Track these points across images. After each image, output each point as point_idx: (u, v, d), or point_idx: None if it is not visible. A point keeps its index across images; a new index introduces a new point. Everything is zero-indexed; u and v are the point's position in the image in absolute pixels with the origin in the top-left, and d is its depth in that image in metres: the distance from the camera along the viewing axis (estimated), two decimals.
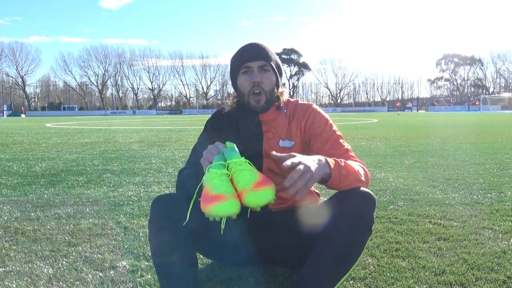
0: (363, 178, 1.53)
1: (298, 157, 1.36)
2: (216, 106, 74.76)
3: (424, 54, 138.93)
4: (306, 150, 1.73)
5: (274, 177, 1.73)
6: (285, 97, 1.75)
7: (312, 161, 1.36)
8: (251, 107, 1.68)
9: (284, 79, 1.78)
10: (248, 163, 1.41)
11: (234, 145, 1.43)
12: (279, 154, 1.40)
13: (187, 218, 1.47)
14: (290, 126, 1.73)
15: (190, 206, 1.47)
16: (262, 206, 1.36)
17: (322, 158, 1.43)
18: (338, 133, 1.70)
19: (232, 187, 1.36)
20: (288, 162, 1.31)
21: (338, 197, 1.52)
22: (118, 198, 3.46)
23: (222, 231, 1.41)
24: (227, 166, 1.39)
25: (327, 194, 3.02)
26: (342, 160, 1.50)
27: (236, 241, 1.73)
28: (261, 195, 1.33)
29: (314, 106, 1.77)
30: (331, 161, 1.44)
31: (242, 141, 1.71)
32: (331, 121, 1.73)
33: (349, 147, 1.67)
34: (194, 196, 1.48)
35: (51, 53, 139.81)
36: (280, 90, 1.72)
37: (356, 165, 1.54)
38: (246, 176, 1.36)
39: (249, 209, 1.43)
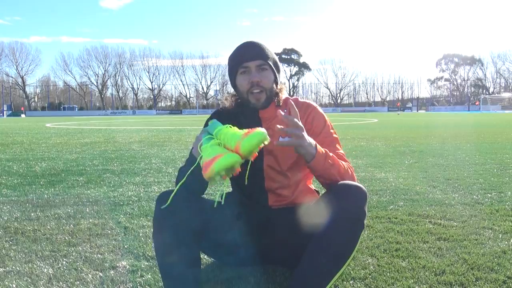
0: (346, 175, 1.56)
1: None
2: (216, 106, 74.77)
3: (424, 54, 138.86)
4: None
5: (274, 174, 1.74)
6: (284, 94, 1.77)
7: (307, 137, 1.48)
8: (251, 105, 1.70)
9: (282, 77, 1.79)
10: (231, 126, 1.45)
11: (215, 119, 1.50)
12: (284, 115, 1.45)
13: (168, 201, 1.49)
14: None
15: (175, 190, 1.50)
16: (259, 146, 1.36)
17: (314, 141, 1.51)
18: (335, 135, 1.72)
19: (226, 150, 1.39)
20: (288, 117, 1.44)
21: (330, 192, 1.53)
22: (118, 198, 3.46)
23: (222, 198, 1.43)
24: (216, 137, 1.44)
25: None
26: (331, 153, 1.55)
27: (236, 241, 1.73)
28: (252, 136, 1.35)
29: (314, 104, 1.79)
30: (320, 147, 1.52)
31: None
32: (329, 122, 1.74)
33: (343, 153, 1.70)
34: (184, 179, 1.49)
35: (51, 53, 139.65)
36: (279, 86, 1.74)
37: (345, 165, 1.59)
38: (234, 133, 1.40)
39: (248, 167, 1.49)
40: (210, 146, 1.40)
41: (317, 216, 1.48)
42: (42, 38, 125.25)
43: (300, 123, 1.45)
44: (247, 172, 1.58)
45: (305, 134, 1.47)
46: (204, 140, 1.43)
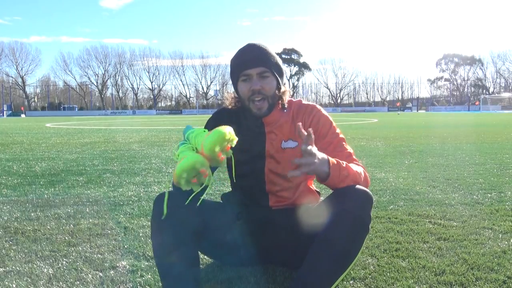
0: (361, 181, 1.54)
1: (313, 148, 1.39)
2: (216, 106, 74.82)
3: (424, 54, 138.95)
4: None
5: (276, 178, 1.73)
6: (287, 96, 1.75)
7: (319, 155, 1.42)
8: (252, 113, 1.68)
9: (285, 79, 1.77)
10: (205, 130, 1.47)
11: (189, 125, 1.52)
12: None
13: (164, 212, 1.49)
14: (293, 126, 1.72)
15: (166, 198, 1.49)
16: (221, 145, 1.35)
17: (326, 156, 1.45)
18: (341, 136, 1.71)
19: (194, 152, 1.39)
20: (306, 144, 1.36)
21: (336, 196, 1.52)
22: (118, 198, 3.46)
23: (200, 201, 1.43)
24: (188, 142, 1.45)
25: (328, 193, 3.01)
26: (344, 162, 1.51)
27: (236, 241, 1.73)
28: (212, 133, 1.35)
29: (318, 107, 1.76)
30: (332, 161, 1.45)
31: (245, 142, 1.71)
32: (334, 124, 1.74)
33: (352, 151, 1.68)
34: (167, 195, 1.50)
35: (51, 53, 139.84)
36: (282, 90, 1.71)
37: (357, 168, 1.56)
38: (200, 134, 1.42)
39: (233, 168, 1.52)
40: (181, 151, 1.40)
41: (321, 218, 1.48)
42: (42, 38, 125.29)
43: (313, 150, 1.37)
44: (233, 171, 1.58)
45: (317, 155, 1.39)
46: (179, 145, 1.43)
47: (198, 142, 1.38)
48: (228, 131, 1.35)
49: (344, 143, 1.69)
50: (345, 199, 1.46)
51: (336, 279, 1.46)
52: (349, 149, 1.68)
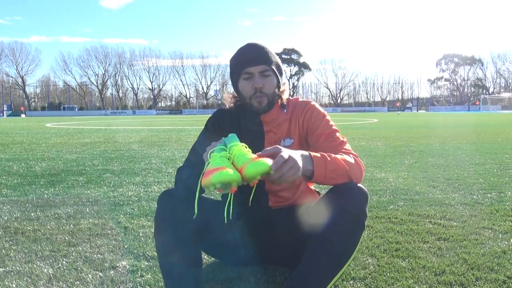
0: (351, 171, 1.49)
1: (284, 151, 1.36)
2: (216, 106, 74.81)
3: (424, 54, 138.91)
4: (304, 146, 1.73)
5: None
6: (286, 95, 1.76)
7: (296, 153, 1.38)
8: (253, 109, 1.69)
9: (284, 78, 1.78)
10: (247, 147, 1.45)
11: (235, 134, 1.49)
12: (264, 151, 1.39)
13: (195, 212, 1.43)
14: (291, 124, 1.74)
15: (196, 199, 1.44)
16: (262, 175, 1.34)
17: (306, 153, 1.43)
18: (334, 127, 1.70)
19: (232, 166, 1.39)
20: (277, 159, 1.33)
21: (332, 193, 1.51)
22: (118, 198, 3.46)
23: (231, 215, 1.40)
24: (228, 151, 1.44)
25: None
26: (330, 154, 1.48)
27: (236, 240, 1.73)
28: (259, 163, 1.34)
29: (312, 102, 1.78)
30: (315, 155, 1.43)
31: (244, 142, 1.71)
32: (328, 117, 1.73)
33: (345, 140, 1.66)
34: (197, 194, 1.47)
35: (51, 53, 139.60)
36: (281, 89, 1.73)
37: (346, 158, 1.51)
38: (245, 154, 1.40)
39: (253, 190, 1.48)
40: (220, 156, 1.40)
41: (318, 217, 1.48)
42: (42, 38, 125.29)
43: (284, 155, 1.33)
44: (252, 195, 1.57)
45: (294, 157, 1.35)
46: (217, 148, 1.44)
47: (239, 160, 1.39)
48: (271, 164, 1.36)
49: (337, 133, 1.67)
50: (341, 197, 1.46)
51: (333, 277, 1.47)
52: (342, 138, 1.65)
